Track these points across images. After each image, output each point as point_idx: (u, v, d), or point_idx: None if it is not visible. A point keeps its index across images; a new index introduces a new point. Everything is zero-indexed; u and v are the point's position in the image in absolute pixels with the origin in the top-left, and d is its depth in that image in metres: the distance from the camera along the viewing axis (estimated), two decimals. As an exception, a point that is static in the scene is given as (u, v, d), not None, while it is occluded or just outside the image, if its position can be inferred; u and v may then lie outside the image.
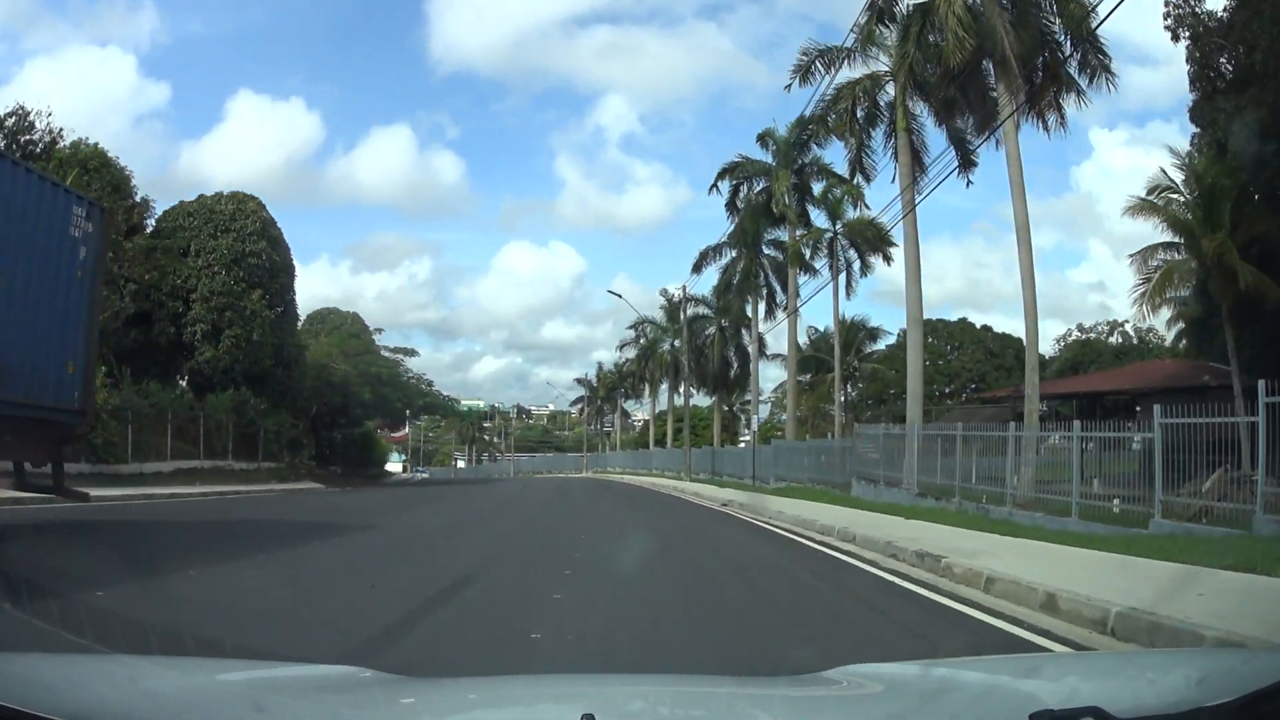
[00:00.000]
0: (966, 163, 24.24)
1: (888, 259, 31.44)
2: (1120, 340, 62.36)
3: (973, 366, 60.42)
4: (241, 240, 34.28)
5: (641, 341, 60.35)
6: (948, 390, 57.77)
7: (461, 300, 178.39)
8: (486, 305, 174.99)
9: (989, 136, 21.82)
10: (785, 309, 40.56)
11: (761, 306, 40.19)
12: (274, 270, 34.96)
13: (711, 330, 47.70)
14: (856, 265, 32.64)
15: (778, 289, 39.83)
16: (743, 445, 51.79)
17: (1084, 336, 62.89)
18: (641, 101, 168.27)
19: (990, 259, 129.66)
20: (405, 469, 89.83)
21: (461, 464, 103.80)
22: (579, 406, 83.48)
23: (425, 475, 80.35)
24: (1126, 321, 59.12)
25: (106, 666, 2.58)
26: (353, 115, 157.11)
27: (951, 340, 62.26)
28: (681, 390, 51.60)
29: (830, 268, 32.57)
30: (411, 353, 53.94)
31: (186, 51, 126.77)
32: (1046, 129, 20.83)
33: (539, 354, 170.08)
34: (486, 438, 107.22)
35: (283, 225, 37.45)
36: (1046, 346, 62.50)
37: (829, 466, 25.53)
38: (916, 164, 23.70)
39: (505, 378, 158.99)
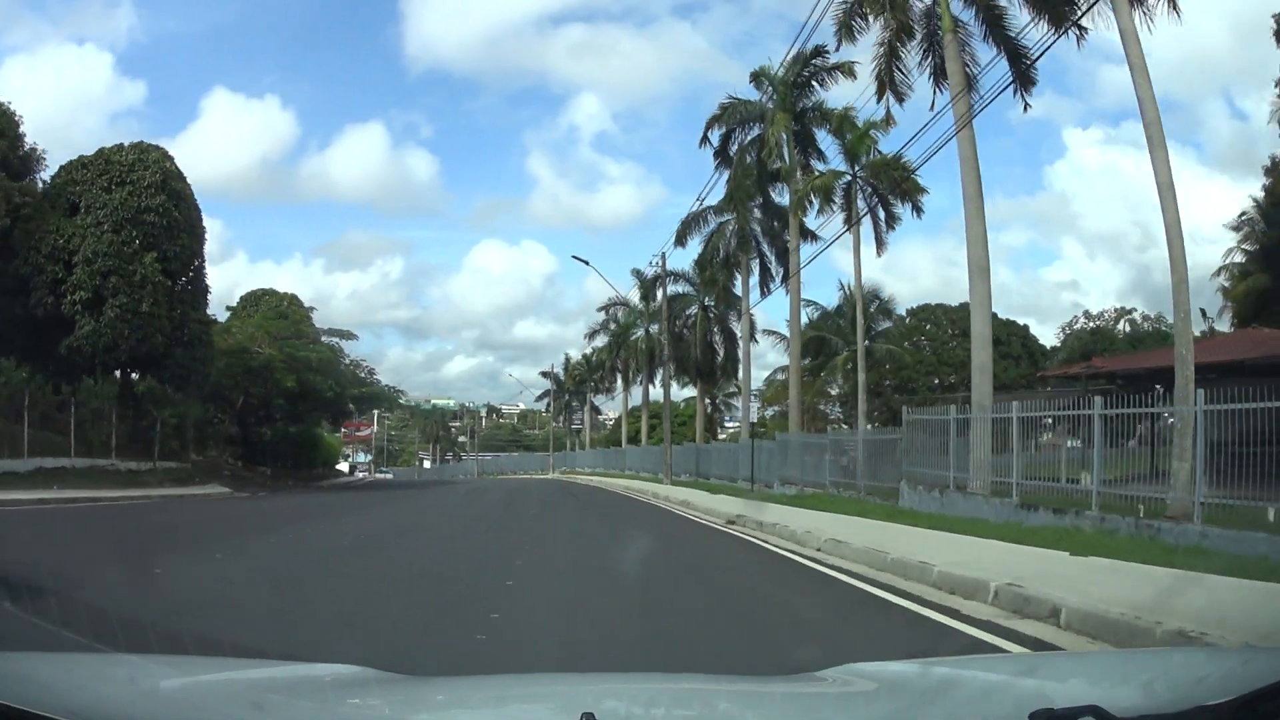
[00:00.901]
0: (1024, 80, 19.19)
1: (918, 209, 26.29)
2: (1129, 328, 58.23)
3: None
4: (138, 194, 28.29)
5: (612, 327, 54.89)
6: (953, 380, 52.90)
7: (434, 299, 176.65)
8: (459, 304, 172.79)
9: (1069, 28, 16.64)
10: (782, 281, 35.46)
11: (754, 280, 34.83)
12: (173, 229, 28.82)
13: (693, 311, 42.31)
14: (882, 217, 27.33)
15: (771, 260, 34.59)
16: (724, 441, 46.54)
17: (1090, 325, 58.67)
18: (615, 100, 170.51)
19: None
20: (353, 470, 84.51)
21: (428, 464, 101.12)
22: (545, 402, 77.69)
23: (388, 476, 76.81)
24: (1133, 310, 55.49)
25: (106, 666, 2.59)
26: (327, 113, 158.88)
27: (955, 326, 57.39)
28: (660, 379, 45.30)
29: (846, 220, 27.20)
30: (349, 335, 47.64)
31: (161, 49, 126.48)
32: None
33: (511, 353, 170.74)
34: (455, 437, 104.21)
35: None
36: (1050, 338, 58.12)
37: (861, 468, 19.56)
38: (966, 83, 18.55)
39: (477, 376, 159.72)
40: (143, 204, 28.22)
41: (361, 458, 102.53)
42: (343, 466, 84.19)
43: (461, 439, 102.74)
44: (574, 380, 71.58)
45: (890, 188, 25.90)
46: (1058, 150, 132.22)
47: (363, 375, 45.71)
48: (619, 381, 58.92)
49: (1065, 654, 4.85)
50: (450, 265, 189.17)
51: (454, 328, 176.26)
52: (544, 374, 73.22)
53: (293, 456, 47.85)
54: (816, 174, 28.57)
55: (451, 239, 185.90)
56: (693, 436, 47.52)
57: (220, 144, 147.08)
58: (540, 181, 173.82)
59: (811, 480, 22.19)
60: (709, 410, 60.14)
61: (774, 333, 43.95)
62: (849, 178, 27.33)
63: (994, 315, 49.76)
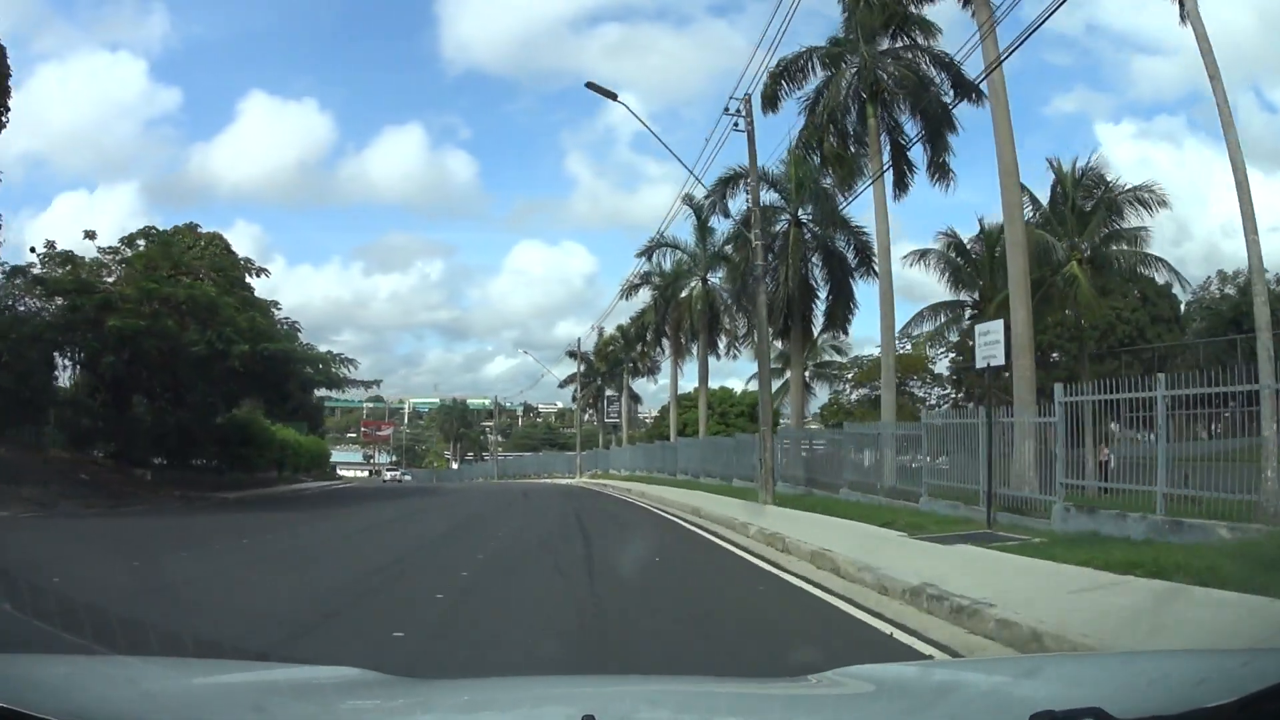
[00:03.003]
0: None
1: None
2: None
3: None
4: None
5: (656, 280, 40.83)
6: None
7: (473, 300, 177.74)
8: (498, 305, 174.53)
9: None
10: (932, 171, 21.85)
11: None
12: None
13: (783, 228, 28.05)
14: None
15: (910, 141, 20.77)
16: (834, 428, 32.41)
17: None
18: (653, 99, 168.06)
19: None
20: (374, 473, 75.66)
21: (455, 464, 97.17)
22: (571, 388, 63.72)
23: (407, 478, 71.40)
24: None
25: (107, 668, 2.60)
26: (364, 116, 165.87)
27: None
28: (759, 329, 27.54)
29: None
30: (274, 306, 33.73)
31: (198, 55, 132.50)
32: None
33: (552, 353, 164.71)
34: (478, 435, 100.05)
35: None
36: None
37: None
38: None
39: (516, 377, 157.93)
40: None
41: (384, 459, 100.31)
42: (349, 470, 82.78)
43: (493, 437, 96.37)
44: (607, 360, 57.60)
45: None
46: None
47: (308, 348, 31.86)
48: (666, 354, 44.78)
49: (1067, 656, 4.67)
50: (490, 266, 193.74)
51: (493, 328, 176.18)
52: (571, 353, 59.37)
53: (225, 454, 34.77)
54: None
55: (491, 240, 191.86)
56: (772, 421, 33.44)
57: (258, 147, 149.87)
58: (579, 181, 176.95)
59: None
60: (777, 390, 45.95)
61: (922, 253, 28.70)
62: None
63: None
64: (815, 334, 30.19)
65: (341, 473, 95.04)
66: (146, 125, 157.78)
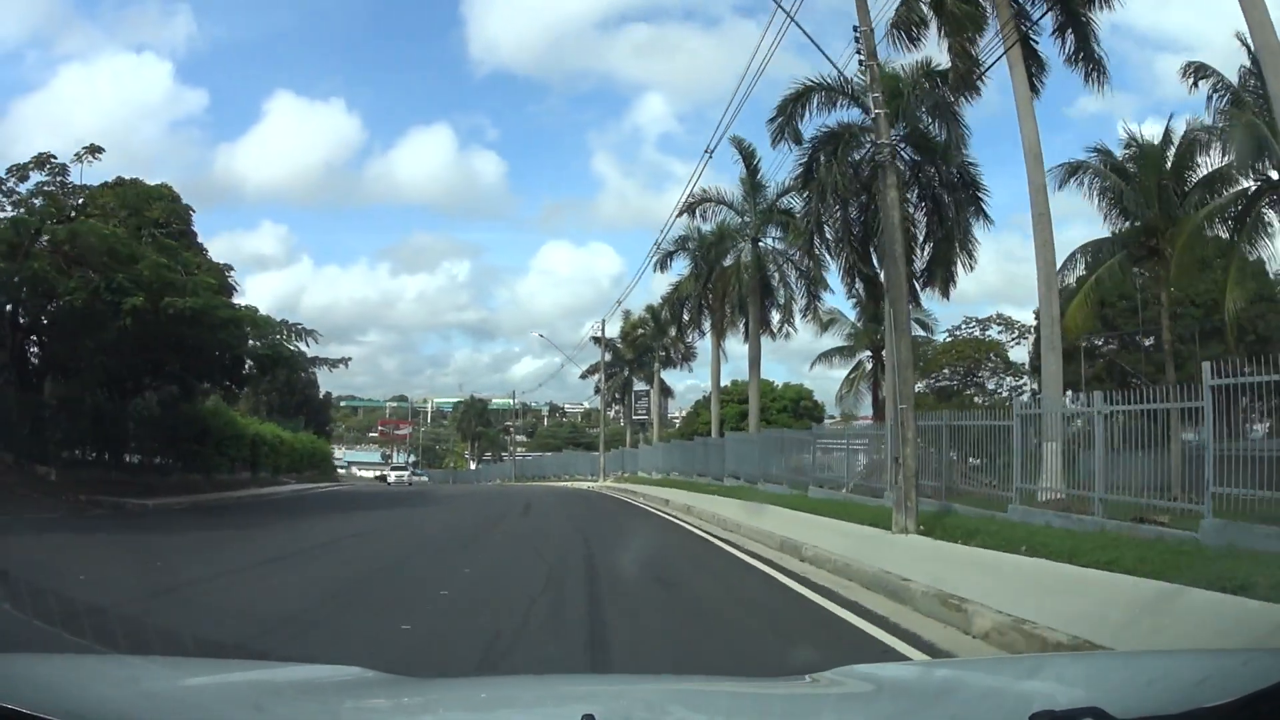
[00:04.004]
0: None
1: None
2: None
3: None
4: None
5: (693, 246, 34.12)
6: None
7: (501, 301, 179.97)
8: (526, 305, 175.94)
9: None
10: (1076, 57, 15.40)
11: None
12: None
13: (866, 154, 21.31)
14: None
15: None
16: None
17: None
18: (679, 100, 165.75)
19: None
20: (384, 475, 71.14)
21: (475, 465, 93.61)
22: (596, 383, 56.96)
23: (421, 478, 69.59)
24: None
25: (107, 667, 2.59)
26: (391, 117, 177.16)
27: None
28: (890, 248, 18.55)
29: None
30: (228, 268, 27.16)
31: (224, 56, 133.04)
32: None
33: (579, 353, 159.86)
34: (496, 434, 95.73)
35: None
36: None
37: None
38: None
39: (543, 377, 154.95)
40: None
41: (401, 458, 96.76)
42: (369, 471, 79.69)
43: (518, 436, 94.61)
44: (634, 347, 51.03)
45: None
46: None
47: (278, 327, 25.24)
48: (704, 336, 37.91)
49: (1067, 655, 4.66)
50: (517, 267, 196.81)
51: (520, 329, 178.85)
52: (594, 339, 52.76)
53: (176, 451, 28.61)
54: None
55: (518, 240, 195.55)
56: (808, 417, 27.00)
57: (284, 148, 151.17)
58: (606, 182, 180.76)
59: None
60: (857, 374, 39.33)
61: (1076, 168, 21.16)
62: None
63: None
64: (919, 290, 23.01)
65: (362, 474, 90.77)
66: (172, 126, 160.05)
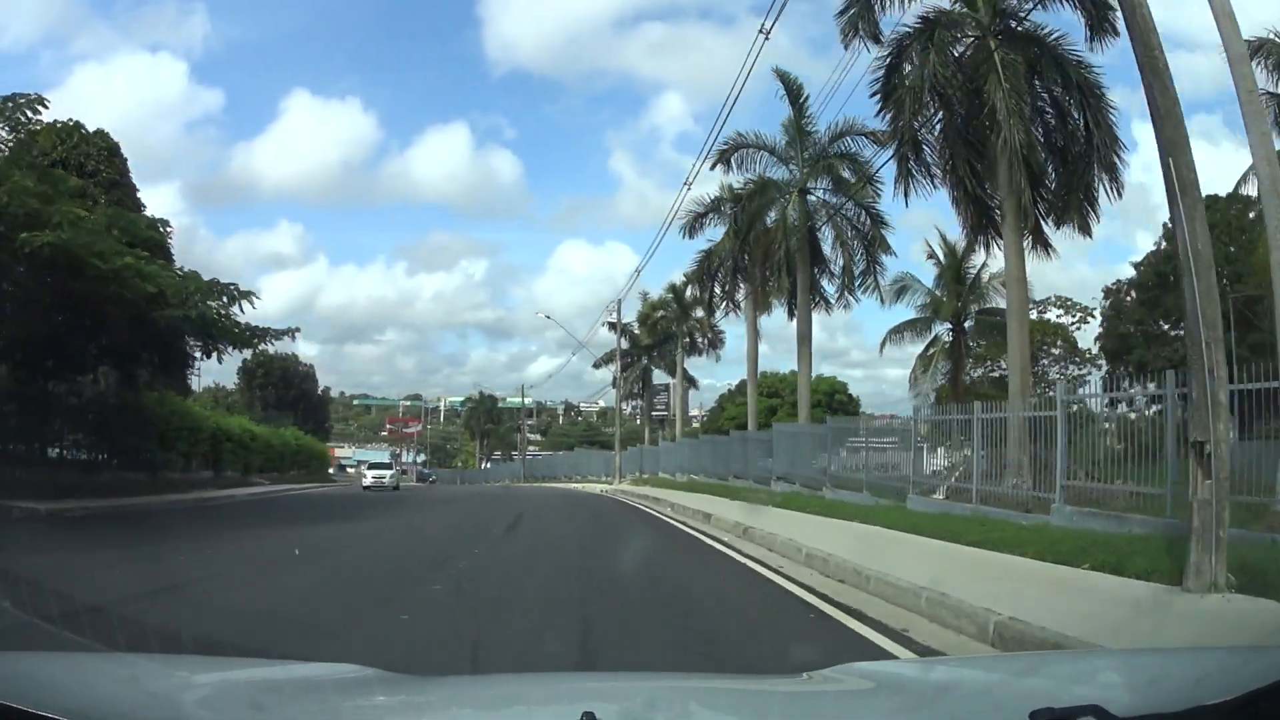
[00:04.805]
0: None
1: None
2: None
3: None
4: None
5: (725, 207, 28.72)
6: None
7: (518, 300, 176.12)
8: (543, 305, 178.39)
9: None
10: None
11: None
12: None
13: (967, 51, 15.64)
14: None
15: None
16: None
17: None
18: (696, 99, 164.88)
19: None
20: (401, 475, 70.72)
21: (486, 464, 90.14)
22: (608, 372, 51.52)
23: (432, 479, 69.28)
24: None
25: (108, 666, 2.54)
26: (408, 116, 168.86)
27: None
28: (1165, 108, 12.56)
29: None
30: (163, 224, 21.71)
31: (240, 55, 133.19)
32: None
33: (597, 352, 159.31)
34: (505, 433, 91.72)
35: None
36: None
37: None
38: None
39: (560, 377, 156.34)
40: None
41: (413, 458, 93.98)
42: (375, 473, 77.26)
43: (532, 435, 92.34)
44: (654, 332, 45.62)
45: None
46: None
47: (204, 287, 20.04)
48: (737, 314, 32.24)
49: (1066, 653, 4.53)
50: (534, 266, 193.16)
51: (537, 328, 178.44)
52: (610, 325, 47.24)
53: (111, 444, 24.08)
54: None
55: (535, 240, 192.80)
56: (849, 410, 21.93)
57: (301, 147, 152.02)
58: (623, 181, 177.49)
59: None
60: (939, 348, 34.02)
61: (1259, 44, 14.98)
62: None
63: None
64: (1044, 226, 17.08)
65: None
66: (188, 125, 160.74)
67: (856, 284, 26.26)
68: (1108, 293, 33.57)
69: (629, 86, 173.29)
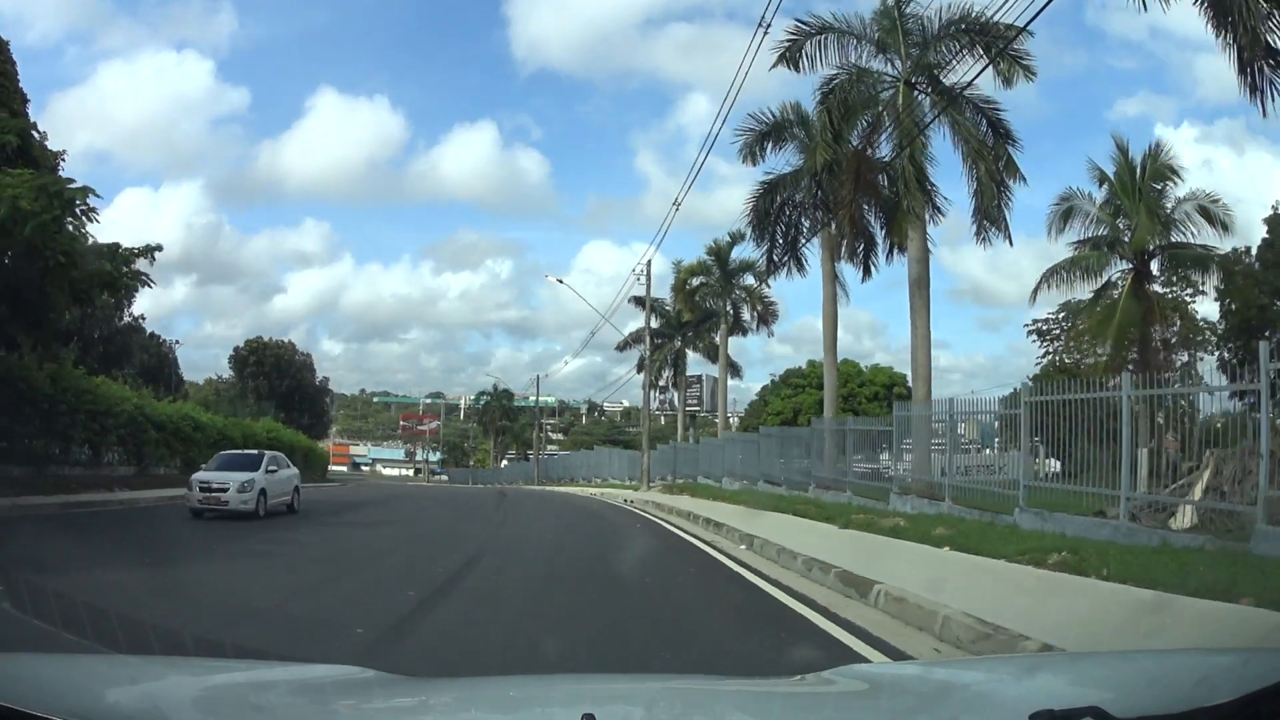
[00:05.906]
0: None
1: None
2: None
3: None
4: None
5: (795, 131, 21.50)
6: None
7: (543, 300, 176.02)
8: (568, 305, 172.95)
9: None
10: None
11: None
12: None
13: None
14: None
15: None
16: None
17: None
18: (722, 98, 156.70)
19: None
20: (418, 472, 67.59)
21: (503, 463, 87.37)
22: (632, 360, 44.46)
23: (443, 478, 69.08)
24: None
25: (107, 667, 2.51)
26: (436, 115, 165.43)
27: None
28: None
29: None
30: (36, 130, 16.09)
31: (266, 53, 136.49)
32: None
33: (623, 354, 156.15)
34: (521, 431, 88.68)
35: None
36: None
37: None
38: None
39: (585, 377, 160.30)
40: None
41: (428, 455, 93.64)
42: (393, 470, 78.44)
43: (553, 435, 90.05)
44: (690, 305, 38.30)
45: None
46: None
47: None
48: (804, 270, 24.51)
49: (1066, 655, 4.55)
50: (560, 265, 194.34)
51: (563, 328, 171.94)
52: (637, 300, 40.14)
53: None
54: None
55: (561, 239, 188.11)
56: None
57: (328, 145, 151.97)
58: (650, 181, 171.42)
59: None
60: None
61: None
62: None
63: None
64: None
65: (386, 472, 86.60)
66: (214, 123, 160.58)
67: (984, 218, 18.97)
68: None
69: (656, 87, 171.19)
